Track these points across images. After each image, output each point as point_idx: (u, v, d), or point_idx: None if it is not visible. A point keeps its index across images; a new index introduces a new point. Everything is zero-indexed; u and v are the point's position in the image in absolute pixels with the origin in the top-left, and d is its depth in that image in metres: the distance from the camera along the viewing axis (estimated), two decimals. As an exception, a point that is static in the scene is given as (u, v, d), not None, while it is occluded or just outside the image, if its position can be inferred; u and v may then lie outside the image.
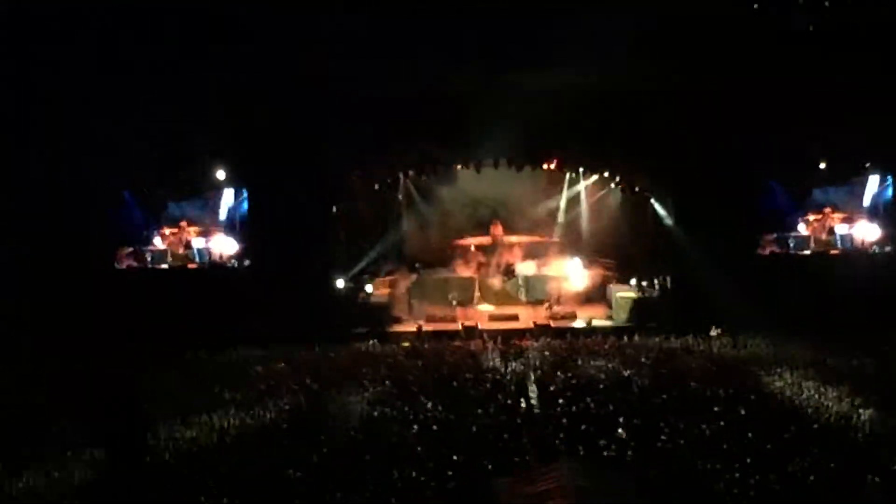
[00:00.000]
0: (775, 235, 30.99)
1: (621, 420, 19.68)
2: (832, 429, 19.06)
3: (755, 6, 28.71)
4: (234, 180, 31.05)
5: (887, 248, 30.74)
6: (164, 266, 30.84)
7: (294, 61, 28.00)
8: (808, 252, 30.95)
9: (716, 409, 20.20)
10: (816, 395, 21.23)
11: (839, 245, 31.11)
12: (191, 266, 31.03)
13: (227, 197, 31.91)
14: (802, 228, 31.60)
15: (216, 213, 31.91)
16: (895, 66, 27.72)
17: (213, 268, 30.82)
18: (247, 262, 30.70)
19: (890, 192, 31.06)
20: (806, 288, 28.71)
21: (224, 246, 31.14)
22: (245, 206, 31.38)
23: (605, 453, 17.90)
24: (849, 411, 19.98)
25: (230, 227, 31.62)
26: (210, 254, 31.20)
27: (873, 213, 31.26)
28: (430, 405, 20.98)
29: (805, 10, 28.64)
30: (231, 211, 31.85)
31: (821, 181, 31.52)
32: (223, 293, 29.03)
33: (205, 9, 27.44)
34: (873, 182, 31.50)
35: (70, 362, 25.22)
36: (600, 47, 26.73)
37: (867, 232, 30.87)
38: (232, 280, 30.12)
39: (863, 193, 31.60)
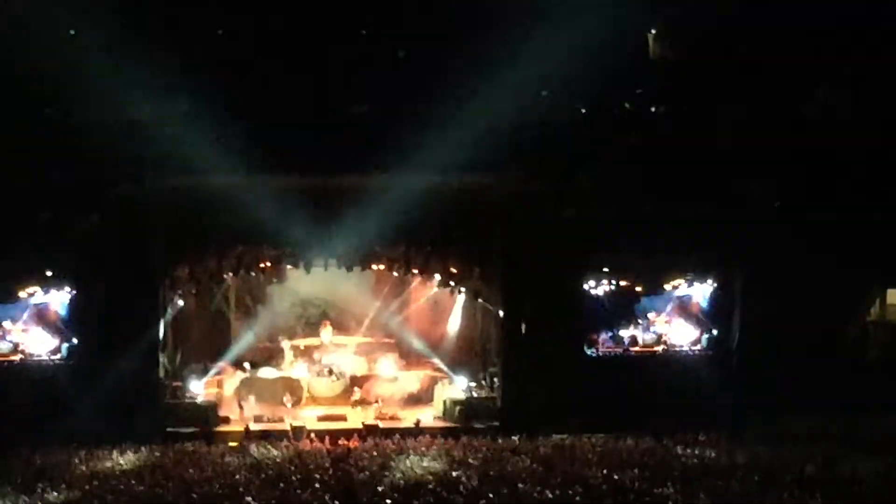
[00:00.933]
0: (610, 334, 31.35)
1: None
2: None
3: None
4: (58, 278, 30.23)
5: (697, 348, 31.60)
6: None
7: (110, 159, 27.79)
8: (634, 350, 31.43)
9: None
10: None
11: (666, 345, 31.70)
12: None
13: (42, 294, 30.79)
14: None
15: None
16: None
17: (30, 364, 29.84)
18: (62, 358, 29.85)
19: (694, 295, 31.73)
20: (632, 385, 29.42)
21: (39, 341, 30.16)
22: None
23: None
24: None
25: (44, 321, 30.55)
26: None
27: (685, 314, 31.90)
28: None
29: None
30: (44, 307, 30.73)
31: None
32: (41, 390, 28.33)
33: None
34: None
35: None
36: (432, 153, 27.16)
37: (682, 333, 31.58)
38: (51, 376, 29.26)
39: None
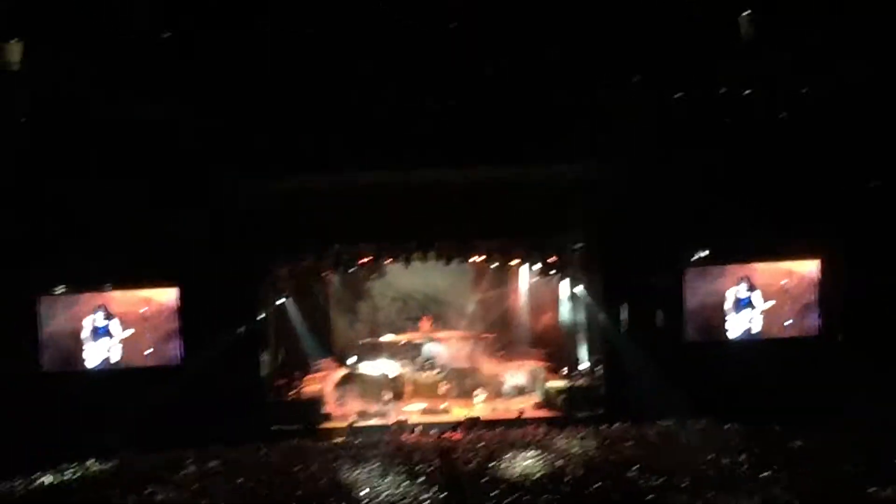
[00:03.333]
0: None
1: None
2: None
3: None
4: (162, 281, 30.57)
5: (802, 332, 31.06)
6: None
7: (214, 164, 28.02)
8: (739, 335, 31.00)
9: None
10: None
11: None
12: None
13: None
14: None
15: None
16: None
17: (136, 367, 30.22)
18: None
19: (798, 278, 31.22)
20: (737, 371, 29.14)
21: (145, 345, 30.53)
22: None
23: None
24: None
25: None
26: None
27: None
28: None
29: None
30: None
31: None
32: (147, 392, 28.71)
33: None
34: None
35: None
36: (529, 143, 27.06)
37: (786, 316, 31.08)
38: (156, 379, 29.60)
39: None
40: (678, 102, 28.61)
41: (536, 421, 29.28)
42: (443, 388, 33.43)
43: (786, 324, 30.84)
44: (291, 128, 27.68)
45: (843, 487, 21.00)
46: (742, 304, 30.86)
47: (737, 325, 30.85)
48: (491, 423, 29.14)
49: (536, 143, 27.17)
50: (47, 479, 24.33)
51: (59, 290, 29.80)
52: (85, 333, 29.90)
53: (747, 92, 28.56)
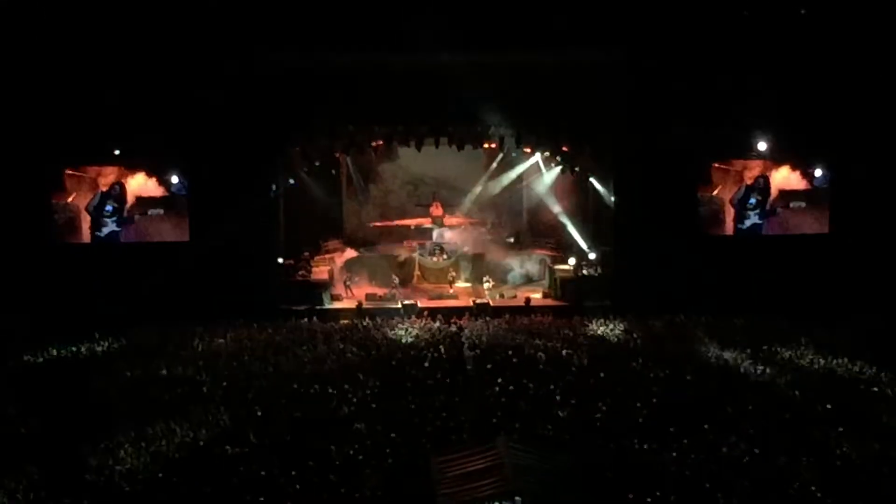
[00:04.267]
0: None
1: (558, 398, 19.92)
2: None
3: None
4: (175, 158, 30.43)
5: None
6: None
7: (231, 40, 27.75)
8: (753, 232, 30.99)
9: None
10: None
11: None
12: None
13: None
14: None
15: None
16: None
17: (152, 244, 30.28)
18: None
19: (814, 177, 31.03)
20: (749, 267, 29.23)
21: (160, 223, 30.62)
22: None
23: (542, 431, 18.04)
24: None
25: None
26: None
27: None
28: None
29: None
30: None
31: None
32: (161, 269, 28.88)
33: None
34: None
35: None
36: (546, 26, 26.71)
37: (802, 215, 31.00)
38: (169, 256, 29.66)
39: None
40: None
41: (543, 309, 29.41)
42: (451, 273, 33.43)
43: (796, 222, 30.78)
44: (312, 4, 27.47)
45: (843, 382, 21.22)
46: (753, 200, 30.75)
47: (747, 221, 30.78)
48: (498, 310, 29.27)
49: (553, 28, 26.83)
50: (57, 352, 24.58)
51: (74, 163, 29.75)
52: (98, 207, 29.89)
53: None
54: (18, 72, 27.82)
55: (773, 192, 30.64)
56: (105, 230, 30.03)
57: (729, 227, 30.72)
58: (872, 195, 29.91)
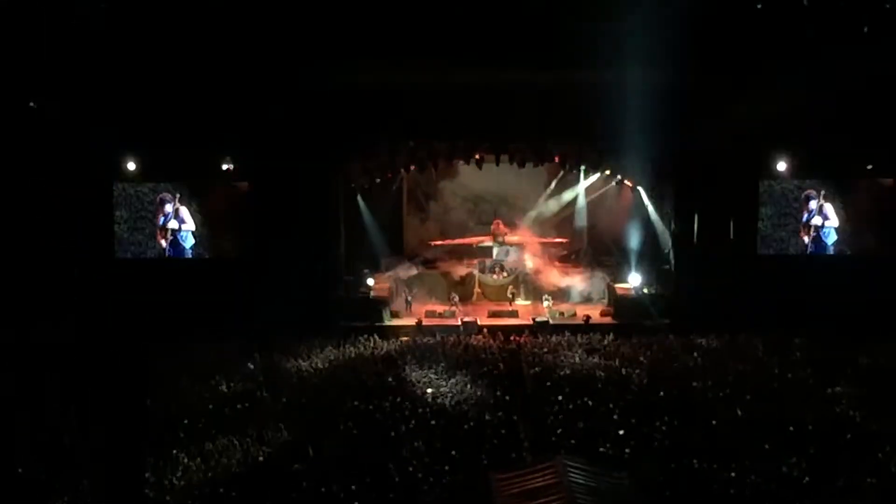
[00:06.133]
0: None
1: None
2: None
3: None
4: (237, 173, 30.71)
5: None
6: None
7: (293, 54, 27.90)
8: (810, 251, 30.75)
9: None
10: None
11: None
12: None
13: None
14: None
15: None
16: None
17: (211, 260, 30.59)
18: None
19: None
20: (805, 286, 28.89)
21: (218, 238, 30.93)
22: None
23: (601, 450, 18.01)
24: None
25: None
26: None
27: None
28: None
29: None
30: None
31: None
32: (219, 285, 29.11)
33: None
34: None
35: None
36: (605, 45, 26.67)
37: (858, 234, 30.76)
38: (228, 272, 29.91)
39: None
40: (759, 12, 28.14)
41: (603, 327, 29.32)
42: (511, 289, 33.40)
43: (858, 242, 30.55)
44: (375, 19, 27.59)
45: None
46: (815, 219, 30.55)
47: (809, 240, 30.59)
48: (558, 328, 29.20)
49: (614, 48, 26.79)
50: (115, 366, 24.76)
51: (136, 178, 30.13)
52: (158, 223, 30.26)
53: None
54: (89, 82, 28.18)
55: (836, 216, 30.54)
56: (172, 249, 30.51)
57: (789, 247, 30.62)
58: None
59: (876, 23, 27.27)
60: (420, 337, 28.24)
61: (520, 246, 35.17)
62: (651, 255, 32.44)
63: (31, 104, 28.33)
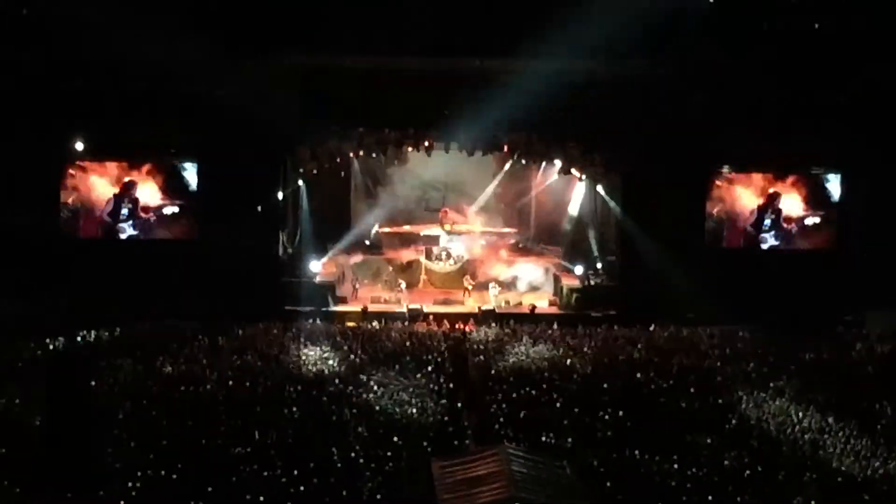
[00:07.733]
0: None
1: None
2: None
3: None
4: (183, 154, 30.49)
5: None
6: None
7: (246, 37, 27.78)
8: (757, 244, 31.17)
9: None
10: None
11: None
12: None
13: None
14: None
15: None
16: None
17: (156, 240, 30.38)
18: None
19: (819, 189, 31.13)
20: (752, 279, 29.21)
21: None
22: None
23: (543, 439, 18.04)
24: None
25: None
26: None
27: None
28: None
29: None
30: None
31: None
32: (164, 266, 29.02)
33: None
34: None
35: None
36: (554, 35, 26.71)
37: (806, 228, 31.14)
38: (174, 252, 29.74)
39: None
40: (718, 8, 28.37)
41: (549, 317, 29.37)
42: (457, 278, 33.37)
43: (804, 236, 30.85)
44: (326, 4, 27.50)
45: (854, 401, 21.09)
46: (762, 214, 30.80)
47: (756, 234, 30.85)
48: (503, 317, 29.22)
49: (572, 39, 26.81)
50: (59, 344, 24.54)
51: (85, 157, 29.87)
52: (105, 202, 30.03)
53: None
54: (35, 67, 27.90)
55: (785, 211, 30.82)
56: (123, 235, 30.40)
57: (738, 242, 30.95)
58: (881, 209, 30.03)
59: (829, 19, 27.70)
60: (365, 323, 28.18)
61: (467, 234, 35.16)
62: (598, 247, 32.54)
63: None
